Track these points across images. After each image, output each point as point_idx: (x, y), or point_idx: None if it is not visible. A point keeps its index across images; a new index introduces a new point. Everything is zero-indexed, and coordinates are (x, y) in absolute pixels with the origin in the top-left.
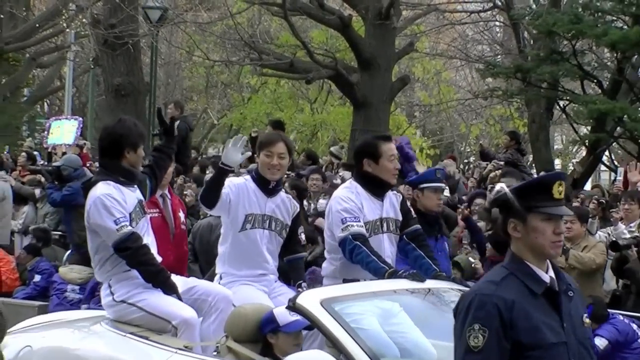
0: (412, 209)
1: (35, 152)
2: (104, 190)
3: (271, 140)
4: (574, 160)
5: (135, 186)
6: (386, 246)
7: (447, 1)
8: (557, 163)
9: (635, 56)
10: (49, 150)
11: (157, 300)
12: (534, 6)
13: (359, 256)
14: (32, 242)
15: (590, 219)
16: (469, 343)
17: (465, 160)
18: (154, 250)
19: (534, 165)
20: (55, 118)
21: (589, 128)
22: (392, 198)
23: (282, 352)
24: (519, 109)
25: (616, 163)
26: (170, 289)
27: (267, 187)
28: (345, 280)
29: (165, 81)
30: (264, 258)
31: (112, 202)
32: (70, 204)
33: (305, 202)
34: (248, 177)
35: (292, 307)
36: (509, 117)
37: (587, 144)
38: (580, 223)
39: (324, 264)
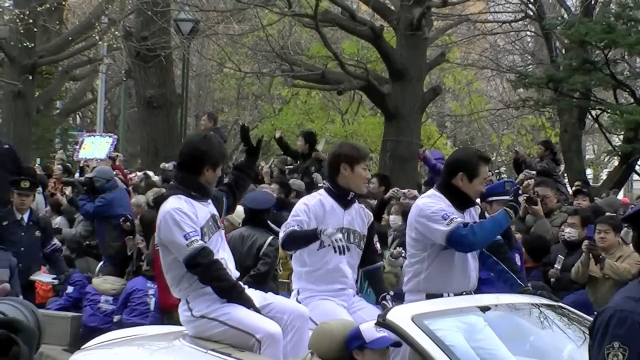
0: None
1: (69, 164)
2: (174, 204)
3: (366, 154)
4: (605, 170)
5: (209, 201)
6: (469, 259)
7: (478, 12)
8: (589, 173)
9: None
10: (81, 164)
11: (240, 314)
12: (565, 16)
13: (478, 229)
14: (65, 254)
15: (625, 229)
16: None
17: (497, 171)
18: (231, 264)
19: (566, 175)
20: (90, 134)
21: (621, 137)
22: (471, 210)
23: None
24: (551, 118)
25: None
26: (246, 303)
27: (346, 200)
28: (428, 295)
29: (196, 93)
30: (342, 273)
31: (182, 217)
32: (103, 215)
33: None
34: (323, 192)
35: (382, 323)
36: (541, 127)
37: (620, 154)
38: (615, 233)
39: (405, 278)
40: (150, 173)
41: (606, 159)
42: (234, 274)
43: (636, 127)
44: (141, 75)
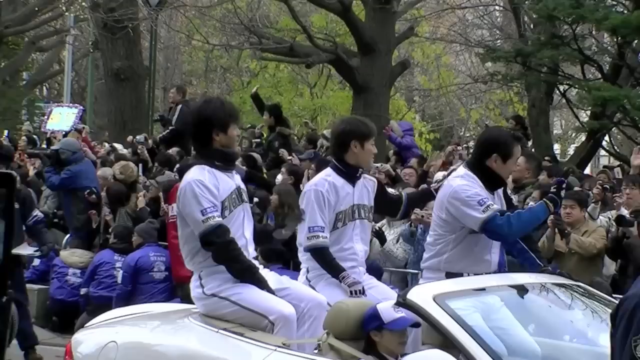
0: (512, 198)
1: (34, 136)
2: (196, 175)
3: (375, 129)
4: (573, 145)
5: (234, 171)
6: (494, 241)
7: None
8: (557, 148)
9: (636, 41)
10: (48, 135)
11: (253, 295)
12: None
13: (515, 219)
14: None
15: (593, 204)
16: (636, 354)
17: (465, 145)
18: (249, 237)
19: (533, 149)
20: (57, 104)
21: (589, 113)
22: (499, 191)
23: (387, 350)
24: (519, 93)
25: (615, 147)
26: (260, 285)
27: (355, 177)
28: (448, 274)
29: (164, 65)
30: (353, 250)
31: (202, 190)
32: (69, 188)
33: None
34: (330, 172)
35: (402, 302)
36: (509, 102)
37: (587, 130)
38: (580, 208)
39: (425, 255)
40: (118, 146)
41: (573, 135)
42: (251, 253)
43: (603, 104)
44: (108, 47)
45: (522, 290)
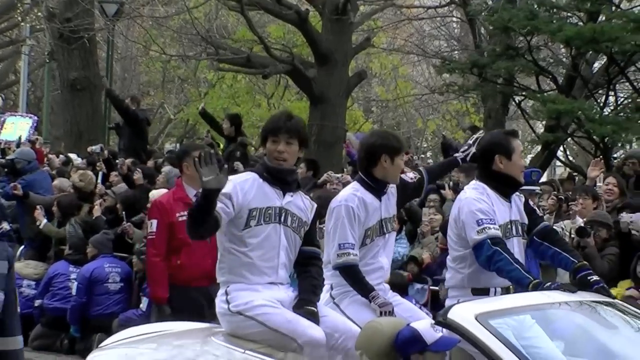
0: (536, 208)
1: None
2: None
3: (405, 143)
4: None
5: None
6: (516, 251)
7: None
8: None
9: (590, 52)
10: (2, 145)
11: (281, 316)
12: (490, 2)
13: (499, 263)
14: None
15: (548, 215)
16: None
17: (422, 156)
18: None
19: None
20: (11, 114)
21: (544, 123)
22: (516, 199)
23: None
24: (475, 104)
25: (570, 158)
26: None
27: (383, 191)
28: (474, 290)
29: (121, 76)
30: (379, 264)
31: None
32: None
33: None
34: (358, 186)
35: (443, 322)
36: (466, 113)
37: (542, 140)
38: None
39: (448, 275)
40: (73, 156)
41: (529, 146)
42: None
43: (558, 116)
44: (64, 57)
45: (566, 308)
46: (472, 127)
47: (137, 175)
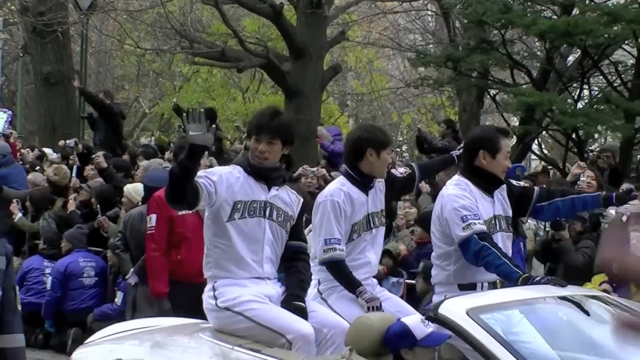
0: (520, 183)
1: None
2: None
3: (391, 137)
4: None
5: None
6: (501, 246)
7: None
8: None
9: (564, 46)
10: None
11: (269, 311)
12: None
13: (487, 258)
14: None
15: None
16: None
17: (397, 149)
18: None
19: None
20: None
21: (519, 117)
22: (498, 194)
23: None
24: (450, 97)
25: (545, 151)
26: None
27: (369, 185)
28: (461, 286)
29: (96, 70)
30: (366, 259)
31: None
32: None
33: None
34: (344, 180)
35: (434, 317)
36: (441, 106)
37: (517, 133)
38: None
39: (434, 271)
40: (48, 150)
41: None
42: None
43: (528, 109)
44: (38, 51)
45: (554, 302)
46: (446, 120)
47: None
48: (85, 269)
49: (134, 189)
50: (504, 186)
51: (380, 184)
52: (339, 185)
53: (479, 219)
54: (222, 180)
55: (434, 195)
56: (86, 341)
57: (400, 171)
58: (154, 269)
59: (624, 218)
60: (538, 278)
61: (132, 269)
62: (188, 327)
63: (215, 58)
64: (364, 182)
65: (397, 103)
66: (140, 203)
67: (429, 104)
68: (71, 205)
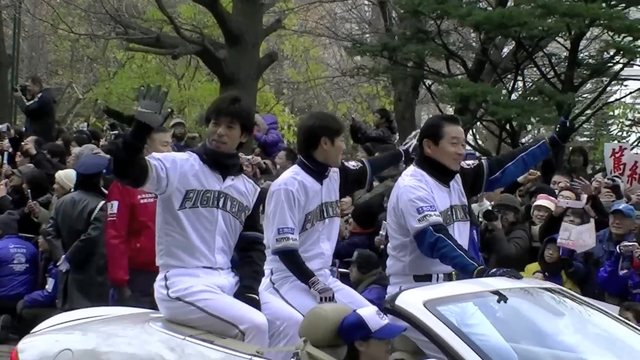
0: (473, 161)
1: None
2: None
3: (343, 124)
4: None
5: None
6: (457, 236)
7: None
8: None
9: (499, 37)
10: None
11: (222, 302)
12: None
13: (442, 250)
14: None
15: None
16: None
17: None
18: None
19: (400, 143)
20: None
21: (454, 107)
22: (454, 183)
23: (371, 359)
24: (386, 87)
25: (480, 142)
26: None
27: (324, 174)
28: (416, 277)
29: (29, 54)
30: (320, 250)
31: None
32: None
33: None
34: (298, 169)
35: (390, 309)
36: (376, 96)
37: None
38: None
39: (389, 262)
40: None
41: None
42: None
43: (462, 99)
44: None
45: (525, 294)
46: (380, 109)
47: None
48: (16, 255)
49: (65, 176)
50: (458, 176)
51: (334, 174)
52: (292, 174)
53: (435, 210)
54: (176, 166)
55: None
56: (32, 330)
57: (352, 164)
58: (114, 256)
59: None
60: (493, 271)
61: (63, 256)
62: (138, 317)
63: (150, 44)
64: (318, 171)
65: (333, 92)
66: (72, 189)
67: (365, 93)
68: (2, 191)
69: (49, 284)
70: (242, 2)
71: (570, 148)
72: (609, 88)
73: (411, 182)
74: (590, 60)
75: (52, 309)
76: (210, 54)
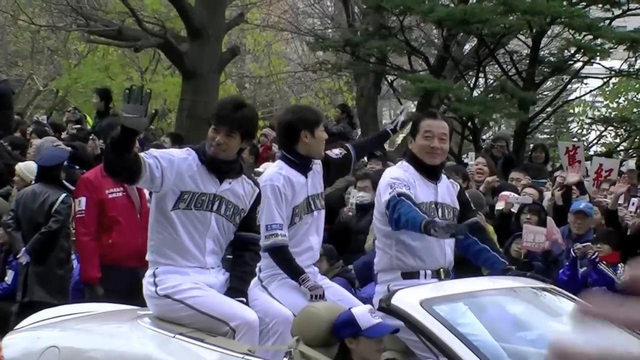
0: (469, 201)
1: None
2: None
3: (322, 114)
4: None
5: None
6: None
7: None
8: None
9: (461, 34)
10: None
11: (211, 299)
12: None
13: (400, 210)
14: None
15: None
16: None
17: None
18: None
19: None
20: None
21: (416, 103)
22: (449, 185)
23: (362, 358)
24: (348, 82)
25: None
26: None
27: (308, 167)
28: (404, 274)
29: None
30: (309, 244)
31: None
32: None
33: None
34: (282, 164)
35: (386, 308)
36: (339, 91)
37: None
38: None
39: (376, 259)
40: None
41: None
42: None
43: (425, 95)
44: None
45: (509, 293)
46: (341, 105)
47: None
48: None
49: (26, 168)
50: (458, 185)
51: (317, 167)
52: (277, 169)
53: (408, 188)
54: (173, 166)
55: None
56: (15, 327)
57: (335, 152)
58: (85, 254)
59: (514, 209)
60: (439, 221)
61: (23, 248)
62: (125, 314)
63: (111, 37)
64: (302, 164)
65: (295, 87)
66: (33, 182)
67: (327, 89)
68: None
69: (9, 276)
70: None
71: (532, 145)
72: (569, 86)
73: (394, 169)
74: (551, 58)
75: (11, 302)
76: (173, 47)
